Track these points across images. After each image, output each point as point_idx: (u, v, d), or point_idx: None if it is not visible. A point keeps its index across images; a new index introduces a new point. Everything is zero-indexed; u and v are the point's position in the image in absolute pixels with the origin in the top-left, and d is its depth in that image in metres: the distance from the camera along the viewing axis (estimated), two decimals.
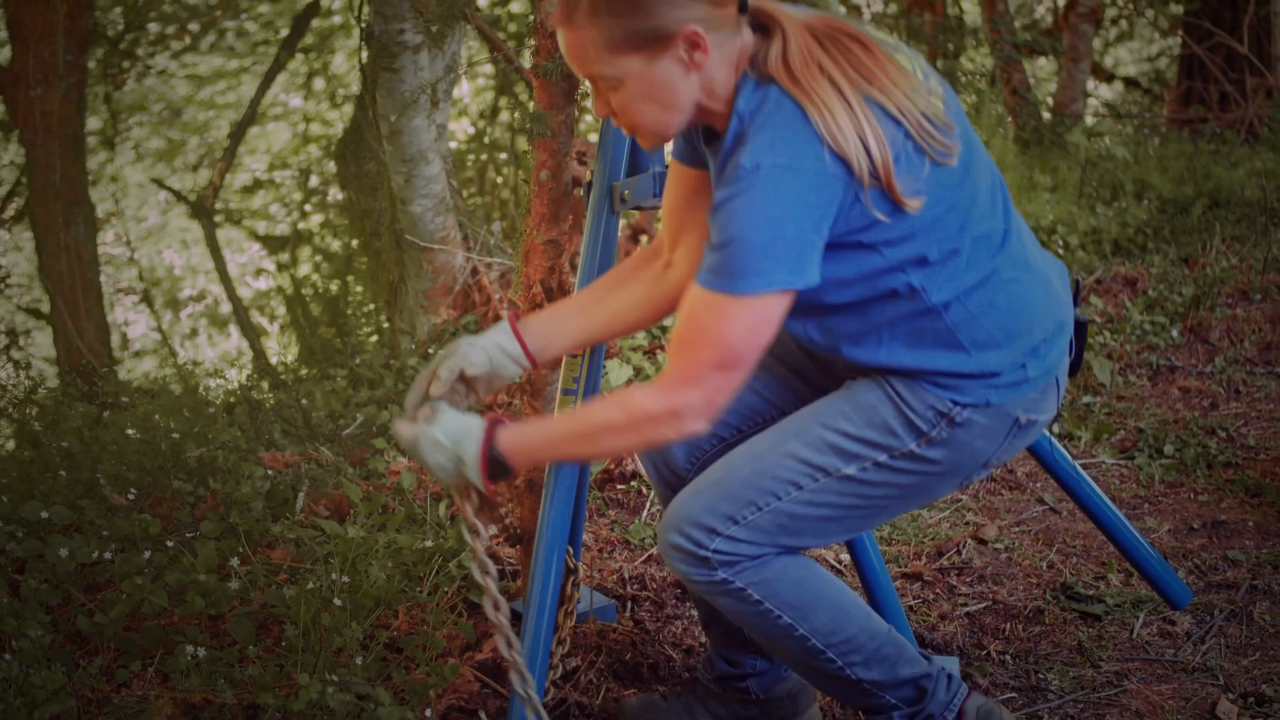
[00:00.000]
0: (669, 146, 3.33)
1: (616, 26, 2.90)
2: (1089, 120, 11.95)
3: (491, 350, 3.37)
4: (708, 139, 3.11)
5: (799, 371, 3.47)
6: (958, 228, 2.98)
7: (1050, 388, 3.18)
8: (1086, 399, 5.99)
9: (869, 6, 13.85)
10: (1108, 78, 15.44)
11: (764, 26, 2.98)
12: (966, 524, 5.03)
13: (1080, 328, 3.37)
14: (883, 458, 3.12)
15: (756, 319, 2.87)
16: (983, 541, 4.88)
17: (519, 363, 3.38)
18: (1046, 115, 10.71)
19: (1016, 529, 4.99)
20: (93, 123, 12.89)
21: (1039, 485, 5.34)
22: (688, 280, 3.26)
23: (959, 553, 4.79)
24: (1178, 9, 13.32)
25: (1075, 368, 3.38)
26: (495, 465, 3.14)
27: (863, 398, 3.14)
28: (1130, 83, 15.62)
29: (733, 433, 3.49)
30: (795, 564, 3.21)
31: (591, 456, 3.22)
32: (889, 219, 2.89)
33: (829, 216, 2.85)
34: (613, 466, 5.25)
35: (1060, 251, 7.50)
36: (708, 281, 2.87)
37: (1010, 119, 10.44)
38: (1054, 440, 3.91)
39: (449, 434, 3.18)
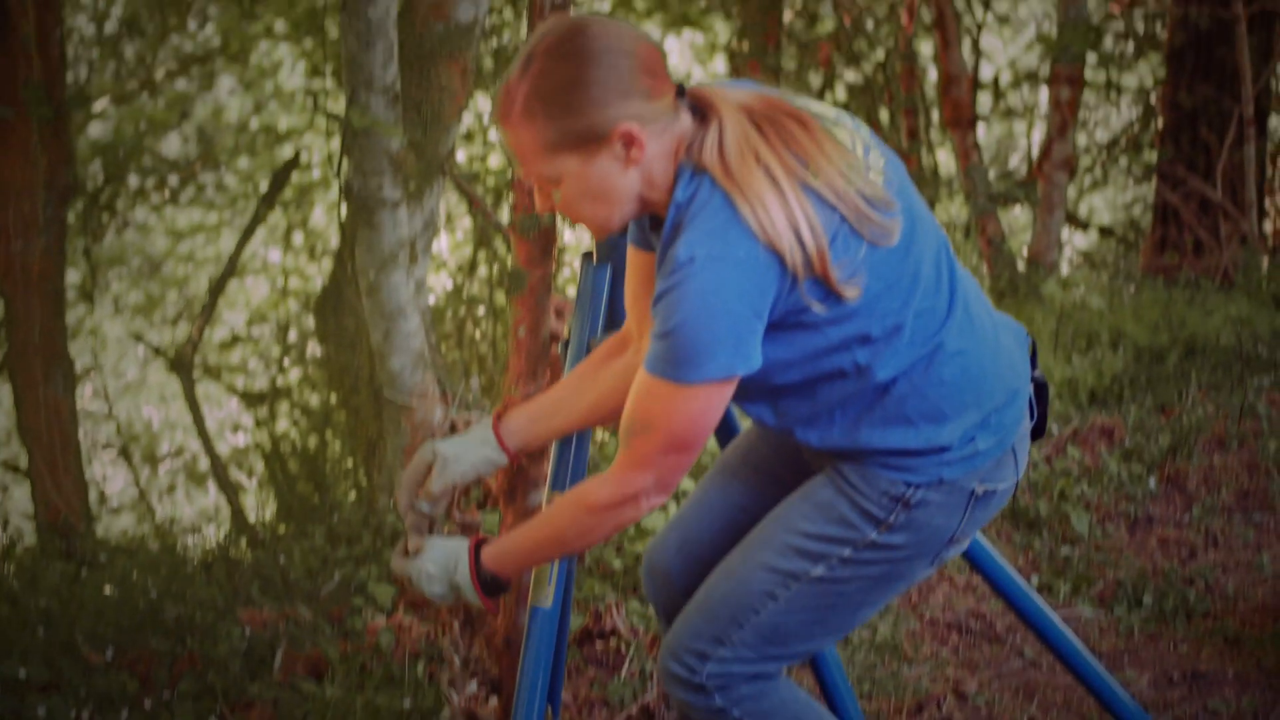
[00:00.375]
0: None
1: (551, 128, 2.92)
2: (1064, 269, 12.03)
3: (481, 467, 3.43)
4: (653, 225, 3.13)
5: (769, 471, 3.48)
6: (900, 303, 2.98)
7: (1006, 457, 3.16)
8: (1065, 550, 5.99)
9: None
10: (1083, 226, 15.55)
11: (701, 112, 2.99)
12: (947, 678, 5.01)
13: (1040, 388, 3.35)
14: (847, 552, 3.11)
15: (700, 406, 2.90)
16: (963, 696, 4.86)
17: (500, 463, 3.44)
18: (1021, 265, 10.78)
19: (997, 683, 4.98)
20: (72, 276, 12.91)
21: (1018, 638, 5.32)
22: None
23: (939, 708, 4.77)
24: (1151, 157, 13.44)
25: (1039, 431, 3.36)
26: (489, 584, 3.20)
27: (817, 496, 3.16)
28: (1105, 231, 15.73)
29: (717, 551, 3.49)
30: (795, 700, 3.22)
31: (569, 554, 3.23)
32: (824, 305, 2.91)
33: (767, 303, 2.86)
34: (591, 624, 5.23)
35: None
36: (653, 368, 2.90)
37: (986, 269, 10.51)
38: (1012, 572, 3.90)
39: (439, 564, 3.23)
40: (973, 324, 3.12)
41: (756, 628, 3.14)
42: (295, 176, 13.72)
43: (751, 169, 2.87)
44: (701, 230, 2.85)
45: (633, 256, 3.32)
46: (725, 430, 3.81)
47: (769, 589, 3.14)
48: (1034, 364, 3.33)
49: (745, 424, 3.62)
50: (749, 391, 3.04)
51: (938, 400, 3.04)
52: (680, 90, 3.00)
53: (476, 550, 3.20)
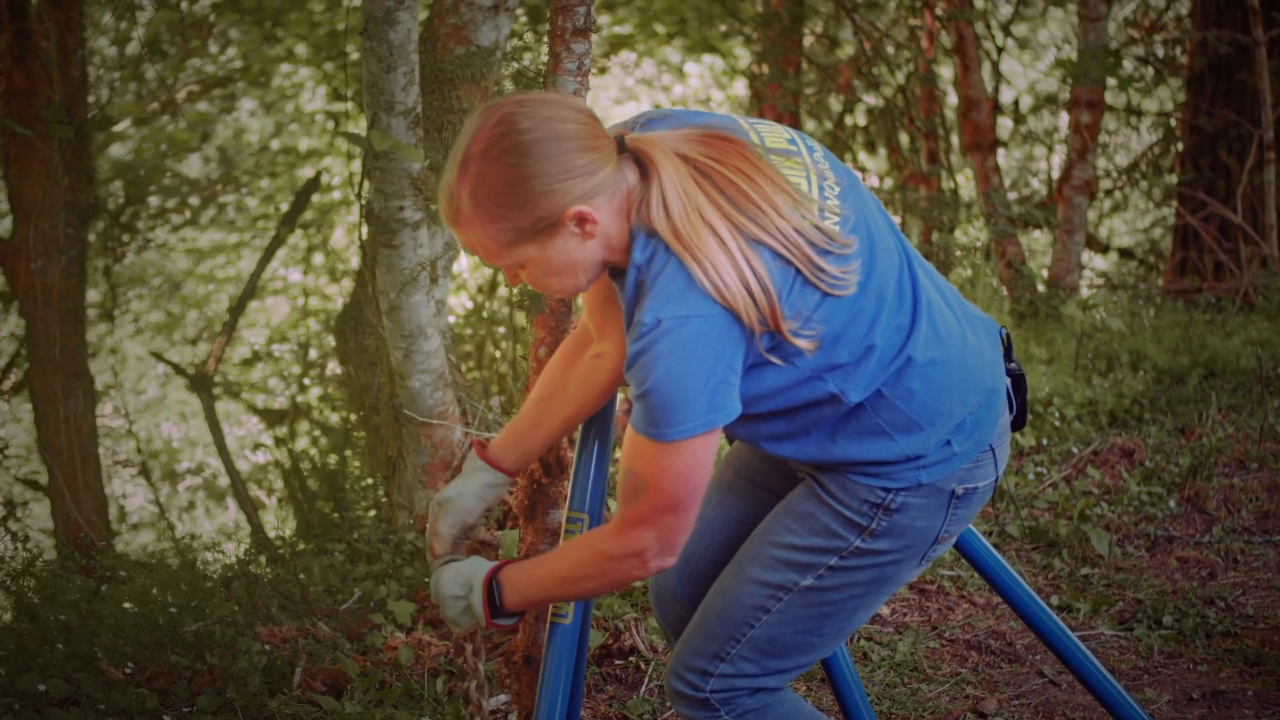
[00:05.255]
0: None
1: (502, 227, 2.95)
2: (1084, 292, 12.02)
3: (484, 493, 3.46)
4: (613, 274, 3.13)
5: (762, 483, 3.51)
6: (866, 328, 3.01)
7: (985, 455, 3.19)
8: (1085, 570, 5.99)
9: (864, 180, 13.95)
10: (1103, 249, 15.53)
11: (643, 167, 3.00)
12: (966, 697, 5.00)
13: (1018, 380, 3.37)
14: (833, 561, 3.15)
15: (687, 462, 2.92)
16: (983, 716, 4.86)
17: (502, 484, 3.48)
18: (1042, 288, 10.77)
19: (1016, 702, 4.97)
20: (92, 295, 12.93)
21: (1038, 658, 5.32)
22: (619, 363, 3.35)
23: None
24: (1172, 180, 13.42)
25: (1020, 423, 3.39)
26: (498, 610, 3.23)
27: (799, 508, 3.19)
28: (1125, 253, 15.71)
29: (718, 567, 3.51)
30: (799, 713, 3.24)
31: (576, 598, 3.25)
32: (781, 358, 2.95)
33: (739, 354, 2.90)
34: (610, 641, 5.24)
35: (1057, 424, 7.52)
36: (638, 427, 2.94)
37: (1006, 292, 10.50)
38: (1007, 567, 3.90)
39: (462, 583, 3.27)
40: (938, 332, 3.14)
41: (753, 641, 3.18)
42: (316, 197, 13.75)
43: (698, 229, 2.89)
44: (663, 295, 2.88)
45: None
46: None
47: (760, 603, 3.18)
48: (1009, 356, 3.35)
49: None
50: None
51: (910, 412, 3.08)
52: (620, 144, 3.01)
53: (491, 579, 3.23)
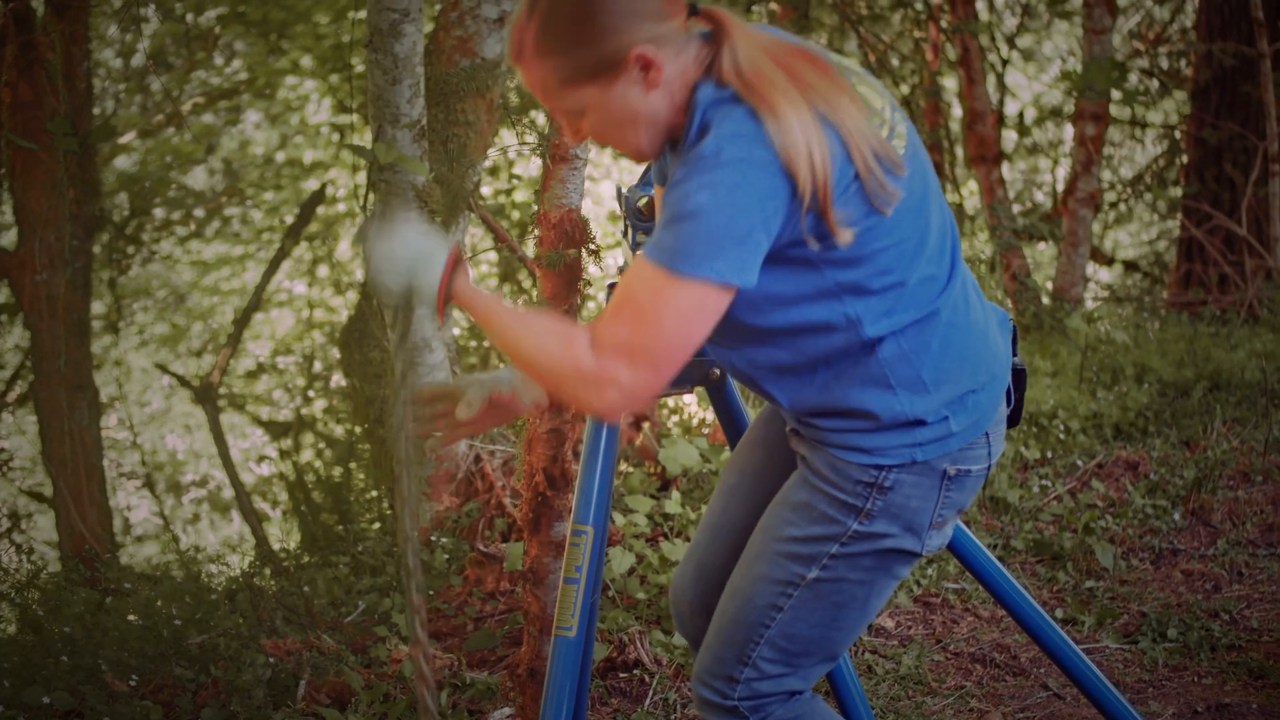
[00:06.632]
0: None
1: (565, 63, 2.92)
2: (1089, 304, 12.02)
3: (516, 380, 3.42)
4: (673, 148, 3.10)
5: (764, 480, 3.48)
6: (904, 263, 2.97)
7: (980, 441, 3.15)
8: (1090, 583, 5.98)
9: None
10: (1107, 261, 15.53)
11: (714, 32, 2.97)
12: (971, 710, 5.00)
13: (1019, 375, 3.35)
14: (835, 549, 3.11)
15: (692, 307, 2.83)
16: None
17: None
18: (1046, 300, 10.77)
19: (1021, 715, 4.97)
20: (97, 307, 12.96)
21: (1043, 671, 5.31)
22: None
23: None
24: (1176, 192, 13.43)
25: (1015, 418, 3.37)
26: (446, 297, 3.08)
27: (794, 498, 3.15)
28: (1130, 266, 15.71)
29: (727, 573, 3.46)
30: (829, 718, 3.23)
31: (512, 353, 3.03)
32: (819, 243, 2.89)
33: (778, 221, 2.84)
34: (615, 654, 5.23)
35: (1062, 437, 7.52)
36: (652, 254, 2.85)
37: (1011, 305, 10.50)
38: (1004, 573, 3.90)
39: (407, 254, 3.09)
40: (968, 302, 3.13)
41: (772, 642, 3.15)
42: (321, 210, 13.78)
43: (772, 85, 2.85)
44: (729, 131, 2.83)
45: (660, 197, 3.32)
46: (734, 428, 3.81)
47: (772, 601, 3.15)
48: (1014, 350, 3.33)
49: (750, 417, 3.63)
50: (731, 333, 3.03)
51: (920, 367, 3.03)
52: (693, 9, 2.99)
53: (453, 269, 3.08)
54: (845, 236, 2.87)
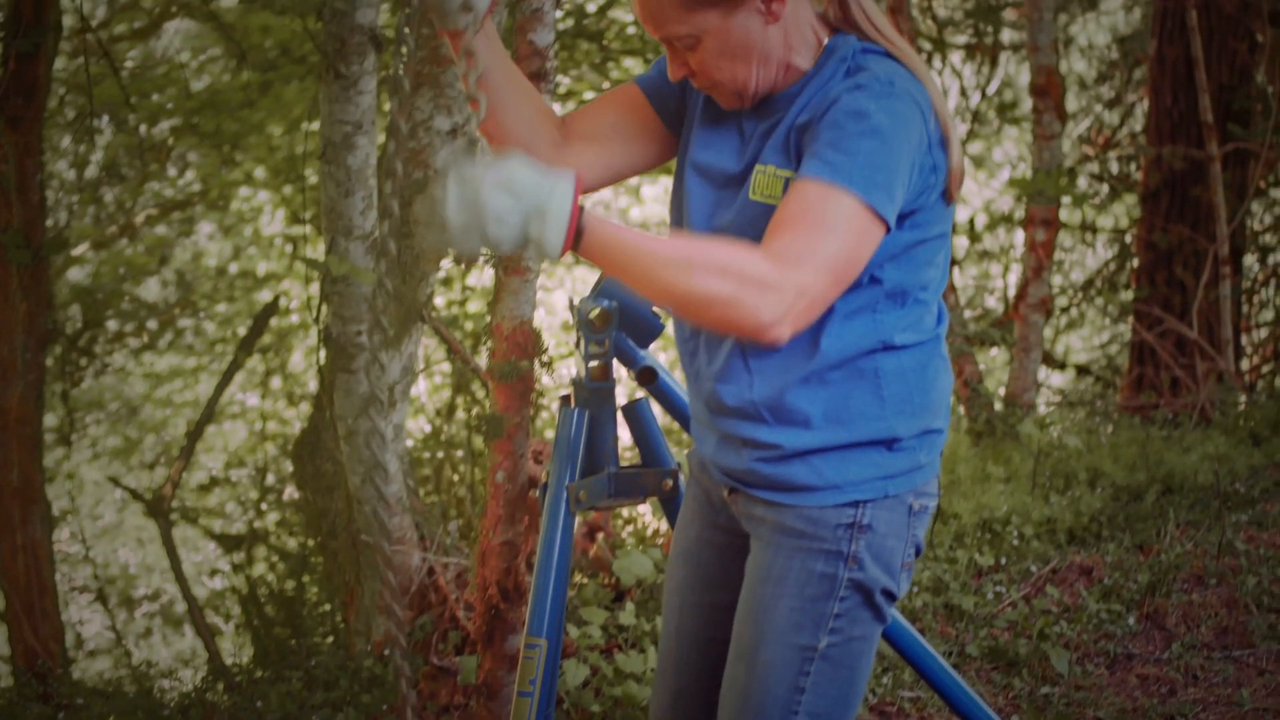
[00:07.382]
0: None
1: None
2: (1042, 409, 12.06)
3: None
4: (757, 109, 3.05)
5: (709, 594, 3.39)
6: (933, 271, 3.01)
7: (935, 480, 3.14)
8: (1045, 689, 5.97)
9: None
10: (1060, 366, 15.61)
11: None
12: None
13: None
14: (835, 606, 3.03)
15: (859, 233, 2.78)
16: None
17: None
18: (999, 406, 10.80)
19: None
20: (50, 420, 12.91)
21: None
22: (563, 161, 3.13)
23: None
24: (1128, 296, 13.51)
25: None
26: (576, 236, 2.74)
27: (773, 571, 3.06)
28: (1082, 370, 15.78)
29: (711, 687, 3.35)
30: None
31: (663, 287, 2.76)
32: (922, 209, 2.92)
33: (916, 175, 2.86)
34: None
35: (1015, 543, 7.52)
36: (829, 174, 2.76)
37: (964, 411, 10.53)
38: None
39: (524, 187, 2.67)
40: (943, 348, 3.16)
41: None
42: (274, 321, 13.77)
43: (907, 49, 2.91)
44: (896, 72, 2.85)
45: (629, 92, 3.23)
46: (671, 504, 3.78)
47: (792, 683, 3.04)
48: None
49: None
50: None
51: (914, 388, 3.04)
52: None
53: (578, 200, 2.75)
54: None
